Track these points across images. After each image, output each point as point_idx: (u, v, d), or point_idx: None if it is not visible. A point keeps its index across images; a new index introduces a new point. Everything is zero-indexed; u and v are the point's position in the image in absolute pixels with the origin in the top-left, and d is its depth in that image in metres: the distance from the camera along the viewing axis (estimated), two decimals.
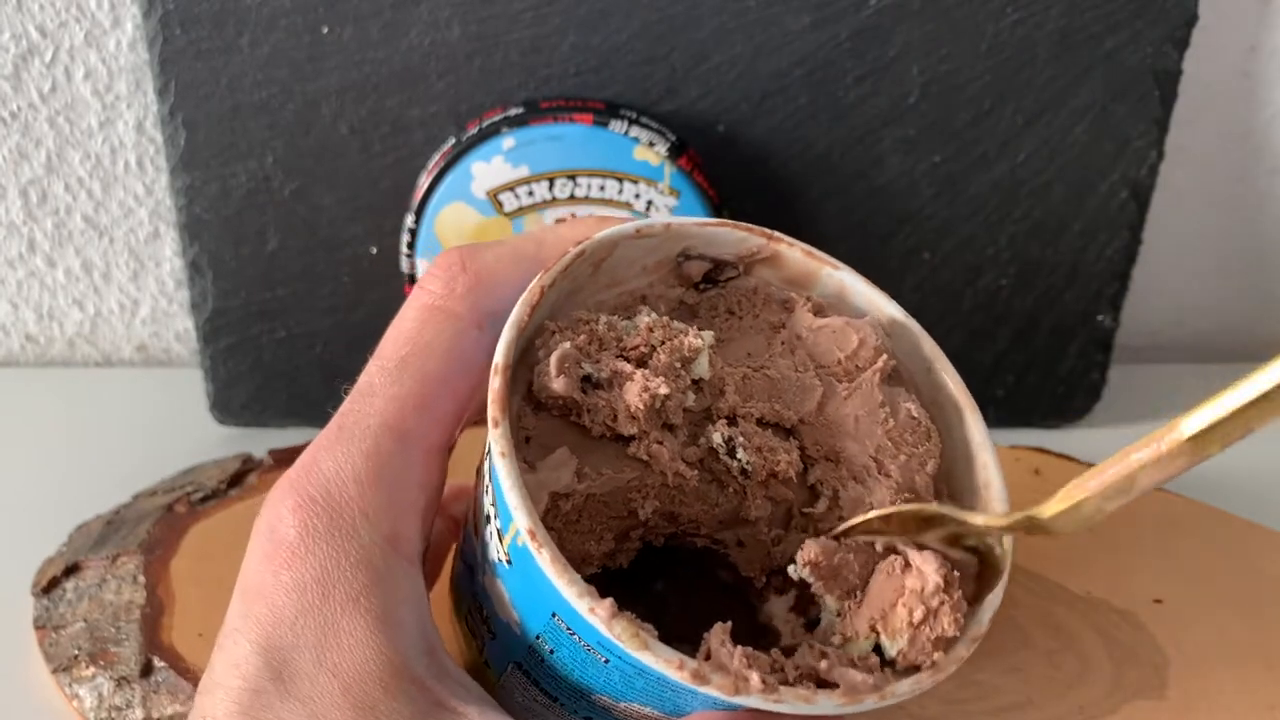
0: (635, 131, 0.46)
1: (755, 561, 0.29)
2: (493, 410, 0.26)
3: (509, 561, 0.27)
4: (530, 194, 0.47)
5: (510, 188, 0.47)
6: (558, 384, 0.26)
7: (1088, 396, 0.55)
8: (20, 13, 0.51)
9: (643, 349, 0.28)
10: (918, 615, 0.25)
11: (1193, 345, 0.62)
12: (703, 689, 0.24)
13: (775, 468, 0.28)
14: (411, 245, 0.48)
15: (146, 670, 0.38)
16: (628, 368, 0.27)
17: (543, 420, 0.27)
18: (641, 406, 0.26)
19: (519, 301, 0.27)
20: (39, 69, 0.53)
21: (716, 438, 0.28)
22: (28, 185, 0.55)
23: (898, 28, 0.48)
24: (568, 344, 0.27)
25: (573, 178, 0.47)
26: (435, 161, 0.48)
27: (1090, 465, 0.47)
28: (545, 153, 0.46)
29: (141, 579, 0.40)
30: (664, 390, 0.27)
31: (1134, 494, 0.25)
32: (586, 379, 0.27)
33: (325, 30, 0.47)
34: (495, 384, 0.26)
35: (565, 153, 0.46)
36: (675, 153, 0.46)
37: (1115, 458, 0.25)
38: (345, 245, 0.51)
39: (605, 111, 0.47)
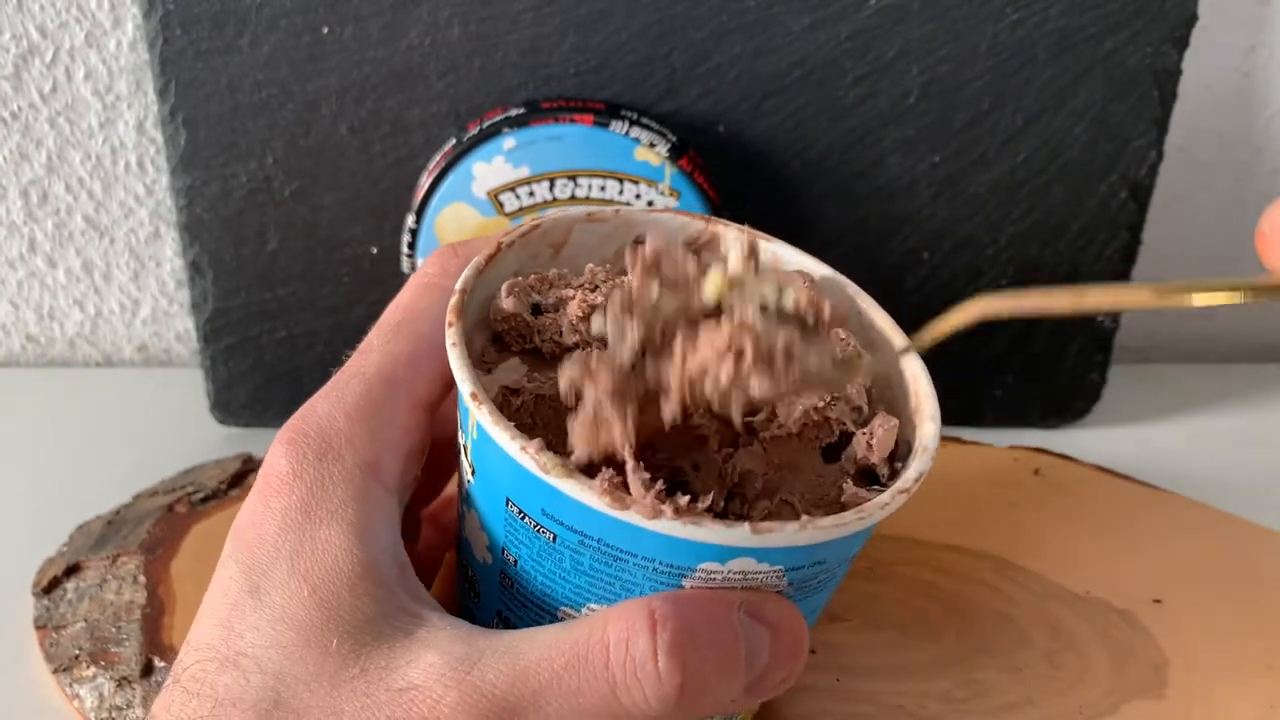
0: (636, 132, 0.46)
1: (711, 483, 0.31)
2: (450, 315, 0.29)
3: (473, 471, 0.29)
4: (531, 194, 0.47)
5: (511, 188, 0.47)
6: (507, 303, 0.30)
7: (1088, 396, 0.55)
8: (20, 13, 0.51)
9: (587, 285, 0.31)
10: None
11: (1193, 345, 0.62)
12: (621, 515, 0.25)
13: None
14: (412, 245, 0.48)
15: (147, 670, 0.38)
16: (571, 293, 0.31)
17: (504, 356, 0.31)
18: (580, 314, 0.30)
19: (482, 251, 0.31)
20: (39, 69, 0.53)
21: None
22: (28, 185, 0.55)
23: (898, 28, 0.48)
24: (519, 278, 0.31)
25: (573, 178, 0.47)
26: (436, 161, 0.48)
27: (1092, 466, 0.48)
28: (546, 153, 0.46)
29: (142, 579, 0.41)
30: (600, 299, 0.30)
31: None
32: (535, 307, 0.31)
33: (325, 30, 0.48)
34: (453, 300, 0.29)
35: (566, 153, 0.46)
36: (676, 153, 0.46)
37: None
38: (345, 245, 0.51)
39: (606, 112, 0.47)
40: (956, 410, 0.55)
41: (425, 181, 0.47)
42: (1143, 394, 0.57)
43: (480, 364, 0.30)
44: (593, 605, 0.28)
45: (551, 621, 0.29)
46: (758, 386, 0.26)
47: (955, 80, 0.49)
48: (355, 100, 0.49)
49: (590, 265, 0.32)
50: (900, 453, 0.30)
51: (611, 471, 0.26)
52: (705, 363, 0.27)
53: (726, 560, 0.26)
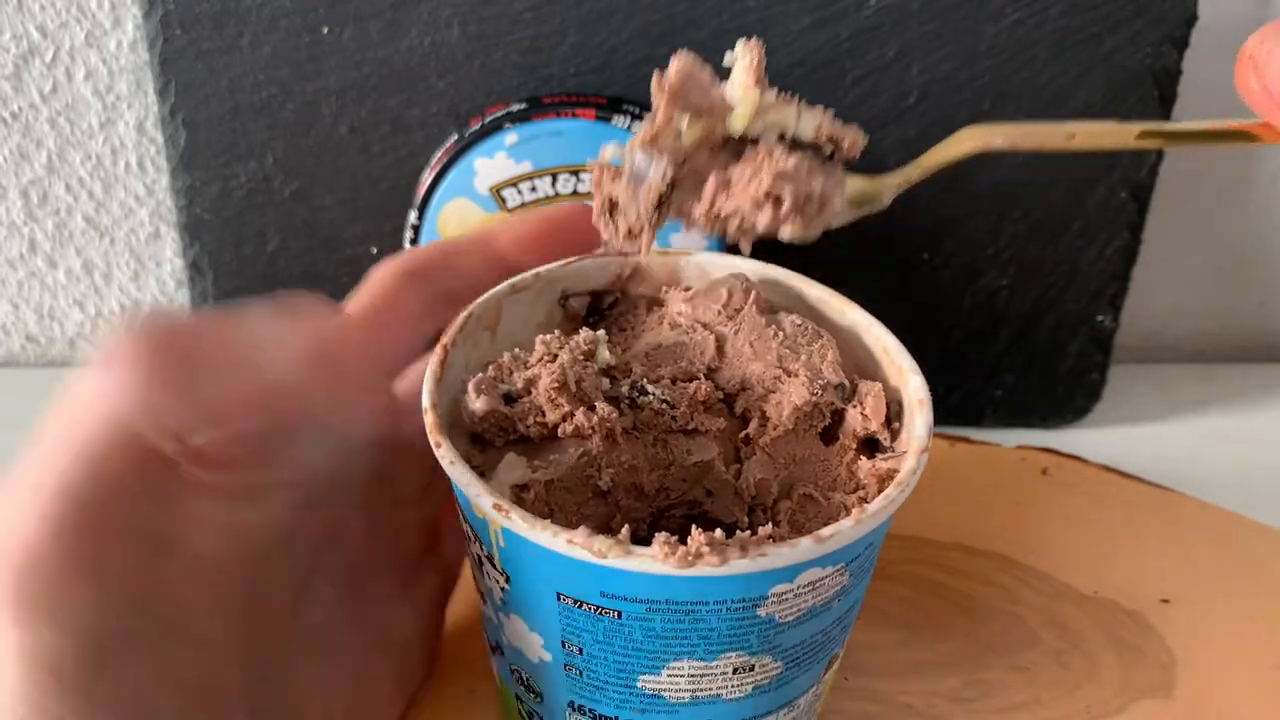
0: (638, 127, 0.46)
1: (729, 503, 0.31)
2: (432, 439, 0.28)
3: (507, 579, 0.28)
4: (533, 189, 0.47)
5: (513, 183, 0.47)
6: (478, 403, 0.29)
7: (1088, 396, 0.55)
8: (21, 13, 0.51)
9: (546, 359, 0.31)
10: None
11: (1193, 345, 0.62)
12: (691, 572, 0.25)
13: (691, 393, 0.30)
14: (414, 242, 0.48)
15: None
16: (536, 371, 0.30)
17: (489, 453, 0.30)
18: (555, 385, 0.29)
19: (430, 360, 0.31)
20: (39, 69, 0.52)
21: (624, 388, 0.30)
22: (28, 185, 0.55)
23: (898, 28, 0.48)
24: (480, 375, 0.30)
25: (575, 173, 0.46)
26: (438, 157, 0.48)
27: (1100, 466, 0.47)
28: (548, 148, 0.46)
29: None
30: (567, 367, 0.30)
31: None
32: (506, 396, 0.30)
33: (325, 30, 0.47)
34: (428, 420, 0.29)
35: (568, 148, 0.46)
36: None
37: None
38: (345, 245, 0.51)
39: (608, 107, 0.47)
40: (956, 410, 0.55)
41: (427, 178, 0.47)
42: (1143, 394, 0.57)
43: (474, 471, 0.30)
44: (673, 664, 0.28)
45: (631, 694, 0.29)
46: (789, 231, 0.26)
47: (955, 80, 0.49)
48: (355, 100, 0.49)
49: (541, 338, 0.31)
50: (892, 412, 0.31)
51: (665, 535, 0.26)
52: (739, 208, 0.26)
53: (795, 578, 0.26)
